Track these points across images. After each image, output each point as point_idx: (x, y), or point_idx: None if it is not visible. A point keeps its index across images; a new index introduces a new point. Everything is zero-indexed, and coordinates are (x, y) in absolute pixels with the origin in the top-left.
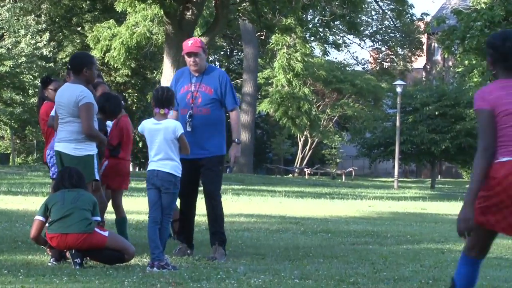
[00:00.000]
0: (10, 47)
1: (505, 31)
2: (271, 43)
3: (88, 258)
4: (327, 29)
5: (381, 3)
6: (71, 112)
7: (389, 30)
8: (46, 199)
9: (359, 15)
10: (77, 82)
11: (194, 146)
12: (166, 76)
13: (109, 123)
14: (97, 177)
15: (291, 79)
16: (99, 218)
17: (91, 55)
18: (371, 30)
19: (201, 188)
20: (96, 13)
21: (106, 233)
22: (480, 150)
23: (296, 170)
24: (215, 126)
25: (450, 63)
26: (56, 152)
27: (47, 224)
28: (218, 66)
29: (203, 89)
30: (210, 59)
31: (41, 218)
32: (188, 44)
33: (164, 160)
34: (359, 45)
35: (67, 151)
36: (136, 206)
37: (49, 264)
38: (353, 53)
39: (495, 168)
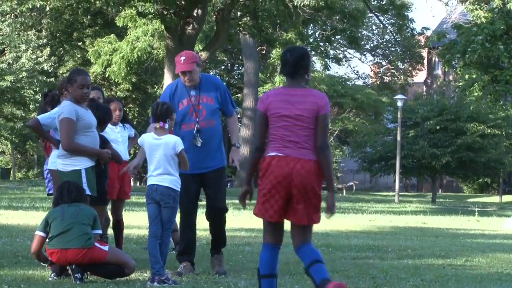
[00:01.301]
0: (11, 62)
1: (292, 46)
2: (271, 58)
3: (88, 273)
4: (327, 44)
5: (381, 18)
6: (58, 127)
7: (390, 45)
8: (46, 215)
9: (360, 30)
10: (69, 98)
11: (202, 160)
12: None
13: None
14: (89, 192)
15: None
16: (100, 231)
17: (78, 72)
18: (372, 45)
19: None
20: (97, 28)
21: (106, 248)
22: (255, 150)
23: None
24: (219, 137)
25: (451, 77)
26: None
27: (47, 240)
28: None
29: (204, 100)
30: (211, 73)
31: (41, 233)
32: (181, 61)
33: (163, 175)
34: (360, 59)
35: (57, 167)
36: (137, 220)
37: (50, 279)
38: (353, 67)
39: (263, 162)
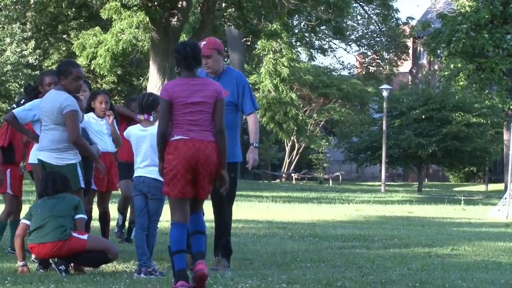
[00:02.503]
0: None
1: (186, 41)
2: (257, 49)
3: (72, 264)
4: (313, 34)
5: (366, 8)
6: (54, 119)
7: (375, 35)
8: (30, 206)
9: (345, 20)
10: (61, 89)
11: None
12: (152, 82)
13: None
14: (82, 185)
15: (278, 84)
16: (83, 216)
17: (72, 64)
18: (357, 35)
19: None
20: (82, 20)
21: (85, 237)
22: (159, 134)
23: (284, 175)
24: (228, 130)
25: (436, 67)
26: (38, 160)
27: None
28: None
29: None
30: None
31: (26, 221)
32: (201, 45)
33: (150, 166)
34: (345, 49)
35: (49, 160)
36: None
37: (37, 271)
38: (339, 57)
39: (171, 145)
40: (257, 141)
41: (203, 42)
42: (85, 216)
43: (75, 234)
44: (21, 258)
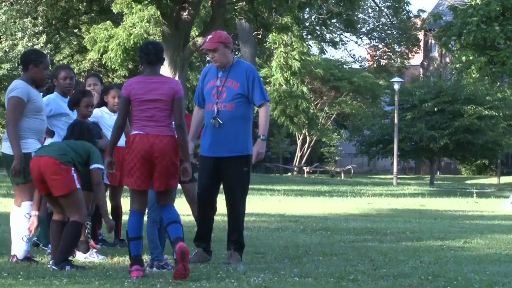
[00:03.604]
0: (7, 50)
1: (150, 41)
2: (268, 42)
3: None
4: (324, 27)
5: (377, 0)
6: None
7: (386, 27)
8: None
9: (356, 13)
10: (22, 78)
11: (218, 144)
12: None
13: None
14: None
15: (289, 78)
16: (101, 166)
17: (41, 54)
18: (368, 28)
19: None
20: (93, 14)
21: (78, 185)
22: (114, 127)
23: (295, 168)
24: (239, 123)
25: (448, 60)
26: (2, 154)
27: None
28: None
29: (229, 84)
30: (207, 59)
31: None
32: (207, 39)
33: None
34: (356, 42)
35: (9, 152)
36: None
37: (49, 267)
38: (350, 50)
39: (129, 140)
40: (265, 134)
41: (209, 36)
42: (101, 166)
43: (74, 174)
44: (36, 207)
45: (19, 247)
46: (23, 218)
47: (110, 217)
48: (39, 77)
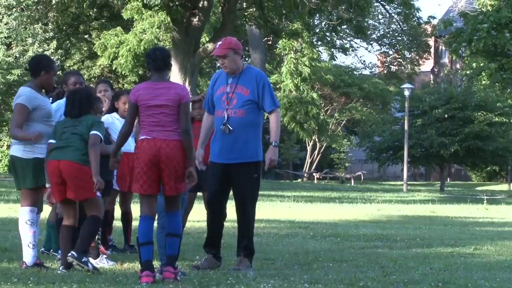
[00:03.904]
0: (17, 55)
1: (158, 47)
2: (278, 48)
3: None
4: (334, 34)
5: (387, 7)
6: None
7: (396, 34)
8: (56, 124)
9: (366, 19)
10: (29, 85)
11: (228, 150)
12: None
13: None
14: (47, 184)
15: (299, 84)
16: (98, 133)
17: (52, 60)
18: (378, 34)
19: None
20: (103, 20)
21: (99, 194)
22: (120, 132)
23: (305, 174)
24: (249, 129)
25: (458, 66)
26: (10, 156)
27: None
28: None
29: (239, 90)
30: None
31: (53, 141)
32: (216, 46)
33: None
34: (367, 49)
35: (18, 154)
36: None
37: (59, 271)
38: (360, 57)
39: (137, 145)
40: (277, 141)
41: (219, 43)
42: (99, 133)
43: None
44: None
45: (27, 254)
46: (24, 225)
47: (100, 178)
48: (49, 83)
